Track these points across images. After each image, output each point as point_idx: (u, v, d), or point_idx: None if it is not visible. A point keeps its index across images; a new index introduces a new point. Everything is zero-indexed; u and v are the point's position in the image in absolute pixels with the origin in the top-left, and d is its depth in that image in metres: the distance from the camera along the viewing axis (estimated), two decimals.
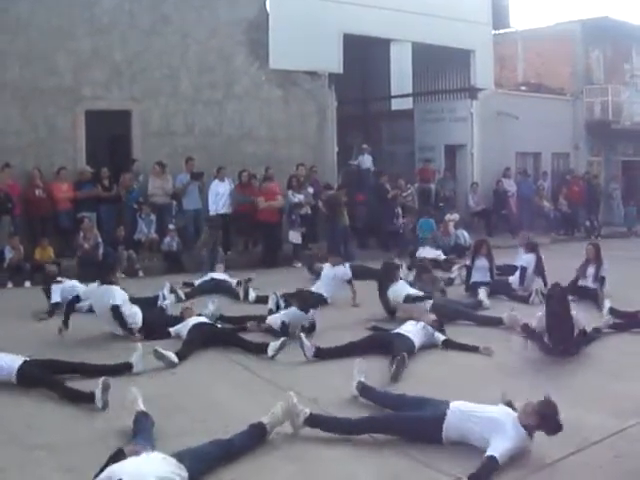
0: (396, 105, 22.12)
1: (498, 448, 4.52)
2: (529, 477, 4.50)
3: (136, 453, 4.19)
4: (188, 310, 8.21)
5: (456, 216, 16.42)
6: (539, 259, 10.98)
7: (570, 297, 10.01)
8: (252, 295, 10.25)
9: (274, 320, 8.14)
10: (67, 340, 7.77)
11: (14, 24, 13.12)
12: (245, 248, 14.80)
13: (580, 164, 22.68)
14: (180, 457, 4.29)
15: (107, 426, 5.26)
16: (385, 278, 9.13)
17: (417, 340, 7.27)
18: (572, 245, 16.74)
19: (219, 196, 14.18)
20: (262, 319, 8.34)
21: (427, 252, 14.12)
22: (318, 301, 7.94)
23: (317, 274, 11.76)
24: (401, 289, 9.06)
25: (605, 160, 23.91)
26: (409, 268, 12.56)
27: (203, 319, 7.98)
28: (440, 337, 7.58)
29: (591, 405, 5.70)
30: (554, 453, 4.75)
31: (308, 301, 7.88)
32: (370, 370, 6.05)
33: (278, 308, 8.96)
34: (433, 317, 7.78)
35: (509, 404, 5.17)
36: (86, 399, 5.70)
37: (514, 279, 10.83)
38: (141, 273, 12.61)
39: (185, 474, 4.18)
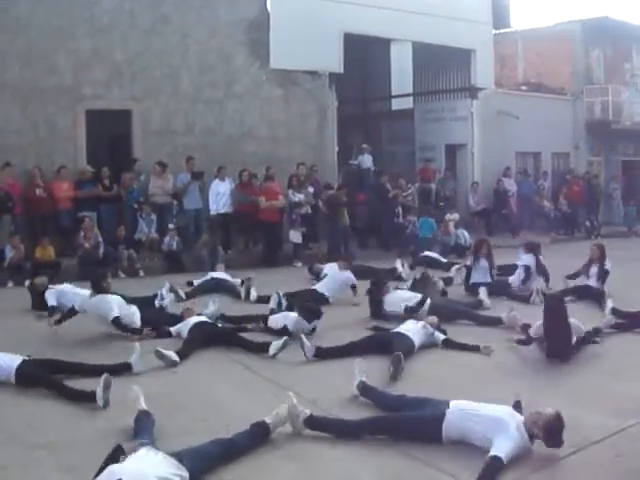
0: (396, 105, 22.13)
1: (502, 448, 4.51)
2: (530, 476, 4.50)
3: (134, 450, 4.19)
4: (189, 310, 8.21)
5: (456, 216, 16.43)
6: (538, 260, 10.98)
7: (570, 297, 10.15)
8: (254, 294, 10.24)
9: (275, 321, 8.14)
10: (67, 340, 7.78)
11: (14, 24, 13.13)
12: (246, 247, 14.81)
13: (580, 164, 22.69)
14: (181, 456, 4.29)
15: (108, 425, 5.26)
16: (375, 295, 9.06)
17: (417, 339, 7.27)
18: (572, 245, 16.77)
19: (220, 195, 14.20)
20: (264, 319, 8.33)
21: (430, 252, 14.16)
22: (321, 313, 7.86)
23: (317, 274, 11.80)
24: (397, 300, 8.96)
25: (605, 160, 23.92)
26: (411, 267, 12.58)
27: (204, 318, 7.99)
28: (440, 336, 7.58)
29: (591, 404, 5.70)
30: (555, 452, 4.75)
31: (312, 312, 7.80)
32: (370, 370, 6.05)
33: (280, 307, 8.97)
34: (434, 319, 7.79)
35: (517, 405, 5.18)
36: (87, 398, 5.69)
37: (514, 279, 10.84)
38: (142, 273, 12.61)
39: (186, 474, 4.18)
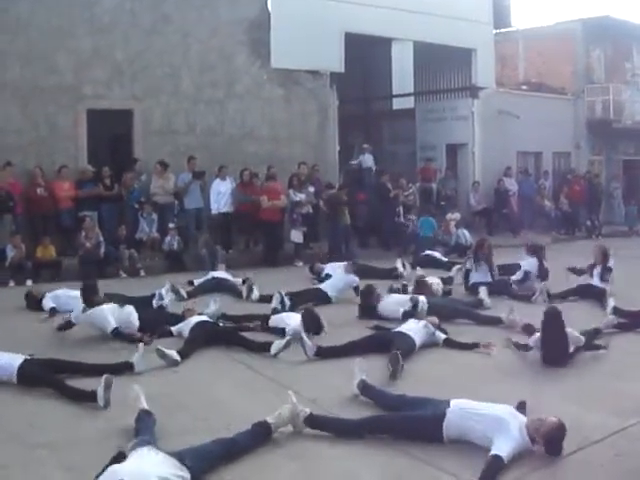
0: (397, 104, 22.14)
1: (503, 447, 4.51)
2: (530, 475, 4.50)
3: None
4: (189, 311, 8.21)
5: (457, 215, 16.43)
6: (541, 263, 10.97)
7: (572, 297, 10.16)
8: (256, 294, 10.21)
9: (277, 322, 8.14)
10: (68, 339, 7.79)
11: (14, 24, 13.13)
12: (246, 247, 14.81)
13: (581, 163, 22.68)
14: (182, 456, 4.30)
15: (109, 425, 5.27)
16: (366, 304, 9.03)
17: (418, 339, 7.27)
18: (573, 244, 16.78)
19: (221, 195, 14.22)
20: (265, 319, 8.32)
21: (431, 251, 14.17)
22: (321, 330, 7.82)
23: (318, 274, 11.82)
24: (393, 304, 8.89)
25: (606, 159, 23.90)
26: (412, 266, 12.57)
27: (205, 318, 7.99)
28: (441, 336, 7.58)
29: (592, 404, 5.70)
30: None
31: (316, 324, 7.76)
32: (371, 369, 6.06)
33: (284, 307, 8.97)
34: (435, 320, 7.78)
35: (522, 406, 5.19)
36: (88, 397, 5.70)
37: (516, 277, 10.84)
38: (142, 272, 12.60)
39: (187, 475, 4.19)
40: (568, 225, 19.90)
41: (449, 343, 7.51)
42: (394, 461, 4.71)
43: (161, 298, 9.33)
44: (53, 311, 9.05)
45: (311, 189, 15.09)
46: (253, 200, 14.19)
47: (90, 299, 7.75)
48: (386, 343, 7.04)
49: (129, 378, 6.15)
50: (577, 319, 8.52)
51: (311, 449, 4.90)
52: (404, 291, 10.00)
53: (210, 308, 8.54)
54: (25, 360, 6.29)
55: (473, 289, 10.37)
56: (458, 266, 11.75)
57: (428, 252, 14.00)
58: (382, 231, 16.30)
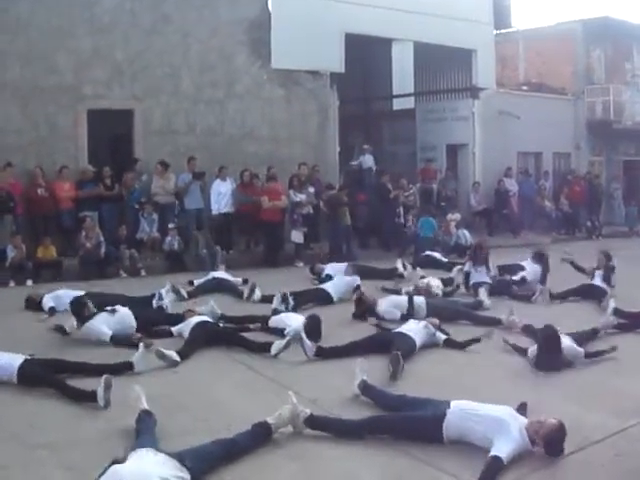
0: (398, 105, 22.15)
1: (503, 448, 4.52)
2: (530, 476, 4.50)
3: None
4: (190, 312, 8.20)
5: (457, 216, 16.42)
6: (545, 271, 10.94)
7: (574, 297, 10.17)
8: (257, 294, 10.18)
9: (277, 322, 8.13)
10: (68, 340, 7.76)
11: (14, 24, 13.12)
12: (247, 247, 14.81)
13: (581, 164, 22.68)
14: (182, 456, 4.30)
15: (109, 425, 5.27)
16: (360, 313, 8.97)
17: (418, 339, 7.27)
18: (573, 245, 16.72)
19: (221, 195, 14.23)
20: (265, 319, 8.32)
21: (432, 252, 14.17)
22: (320, 337, 7.79)
23: (318, 274, 11.83)
24: (391, 306, 8.87)
25: (606, 160, 23.90)
26: (413, 267, 12.57)
27: (205, 318, 7.99)
28: (441, 337, 7.59)
29: (592, 404, 5.70)
30: None
31: (317, 332, 7.72)
32: (371, 370, 6.06)
33: (287, 307, 8.97)
34: (435, 322, 7.78)
35: (522, 407, 5.19)
36: (88, 398, 5.70)
37: (516, 278, 10.84)
38: (143, 272, 12.60)
39: (187, 476, 4.19)
40: (568, 226, 19.91)
41: (450, 344, 7.51)
42: (394, 461, 4.71)
43: (161, 298, 9.31)
44: (52, 311, 9.05)
45: (311, 190, 15.08)
46: (254, 200, 14.19)
47: (82, 316, 7.68)
48: (386, 343, 7.04)
49: (129, 378, 6.14)
50: (577, 319, 8.58)
51: (311, 450, 4.90)
52: (398, 293, 10.02)
53: (206, 306, 8.55)
54: (25, 360, 6.28)
55: (473, 289, 10.37)
56: (458, 267, 11.74)
57: (428, 253, 14.00)
58: (382, 232, 16.30)
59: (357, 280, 10.36)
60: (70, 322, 7.82)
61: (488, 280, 10.45)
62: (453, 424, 4.88)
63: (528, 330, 7.92)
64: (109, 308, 7.93)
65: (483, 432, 4.73)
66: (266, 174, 14.76)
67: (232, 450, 4.69)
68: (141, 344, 6.78)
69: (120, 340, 7.56)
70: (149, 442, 4.52)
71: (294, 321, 7.93)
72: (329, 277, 11.53)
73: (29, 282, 11.50)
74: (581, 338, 7.32)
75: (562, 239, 18.54)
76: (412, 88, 21.54)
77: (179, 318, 8.15)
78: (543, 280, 10.84)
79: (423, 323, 7.59)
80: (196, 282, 11.03)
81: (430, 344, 7.45)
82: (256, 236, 14.82)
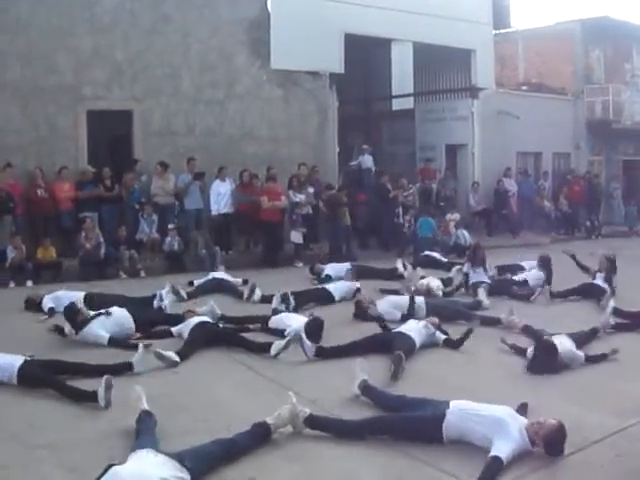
0: (397, 105, 22.14)
1: (502, 449, 4.52)
2: (530, 476, 4.51)
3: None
4: (190, 313, 8.21)
5: (457, 216, 16.43)
6: (550, 276, 10.93)
7: (575, 296, 10.17)
8: (258, 294, 10.18)
9: (277, 322, 8.14)
10: (67, 340, 7.75)
11: (14, 24, 13.12)
12: (247, 248, 14.81)
13: (581, 164, 22.69)
14: (182, 457, 4.30)
15: (110, 425, 5.27)
16: (359, 314, 8.98)
17: (418, 339, 7.28)
18: (573, 245, 16.72)
19: (221, 196, 14.23)
20: (265, 320, 8.32)
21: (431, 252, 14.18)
22: (320, 338, 7.77)
23: (318, 274, 11.84)
24: (390, 307, 8.88)
25: (606, 160, 23.90)
26: (413, 267, 12.58)
27: (205, 319, 7.99)
28: (441, 336, 7.59)
29: (592, 404, 5.71)
30: None
31: (317, 335, 7.68)
32: (371, 369, 6.06)
33: (288, 307, 8.97)
34: (435, 320, 7.78)
35: (523, 408, 5.20)
36: (89, 398, 5.71)
37: (518, 279, 10.84)
38: (143, 273, 12.60)
39: (187, 476, 4.20)
40: (568, 226, 19.91)
41: (448, 343, 7.51)
42: (394, 462, 4.71)
43: (161, 299, 9.33)
44: (52, 311, 9.05)
45: (311, 190, 15.08)
46: (253, 201, 14.19)
47: (77, 323, 7.62)
48: (387, 343, 7.05)
49: (129, 379, 6.15)
50: (577, 318, 8.59)
51: (311, 450, 4.90)
52: (397, 293, 10.04)
53: (206, 306, 8.55)
54: (25, 361, 6.28)
55: (472, 289, 10.38)
56: (457, 267, 11.77)
57: (427, 252, 14.01)
58: (382, 232, 16.31)
59: (356, 284, 10.39)
60: (69, 325, 7.79)
61: (487, 280, 10.50)
62: (453, 424, 4.88)
63: (528, 330, 7.92)
64: (103, 311, 7.88)
65: (483, 432, 4.74)
66: (265, 174, 14.76)
67: (232, 450, 4.69)
68: (141, 344, 6.78)
69: (118, 342, 7.55)
70: (149, 443, 4.52)
71: (294, 321, 7.93)
72: (329, 277, 11.57)
73: (29, 283, 11.51)
74: (581, 339, 7.33)
75: (561, 239, 18.55)
76: (411, 88, 21.54)
77: (179, 318, 8.15)
78: (546, 281, 10.85)
79: (423, 323, 7.60)
80: (196, 283, 11.04)
81: (430, 344, 7.46)
82: (255, 236, 14.82)
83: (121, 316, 7.96)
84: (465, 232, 15.75)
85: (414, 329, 7.41)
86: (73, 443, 5.01)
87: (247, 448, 4.78)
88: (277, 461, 4.72)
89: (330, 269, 11.93)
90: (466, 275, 10.78)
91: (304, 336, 7.10)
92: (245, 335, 7.76)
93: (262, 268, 13.23)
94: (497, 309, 9.11)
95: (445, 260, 13.55)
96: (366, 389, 5.73)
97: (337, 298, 10.05)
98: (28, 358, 6.38)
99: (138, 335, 7.77)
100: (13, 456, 4.81)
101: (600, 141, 23.37)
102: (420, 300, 8.91)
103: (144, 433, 4.76)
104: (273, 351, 7.10)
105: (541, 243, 17.48)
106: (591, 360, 6.92)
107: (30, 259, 11.87)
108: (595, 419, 5.37)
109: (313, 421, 5.10)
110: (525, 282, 10.66)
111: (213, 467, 4.50)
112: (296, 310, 8.90)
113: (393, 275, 12.09)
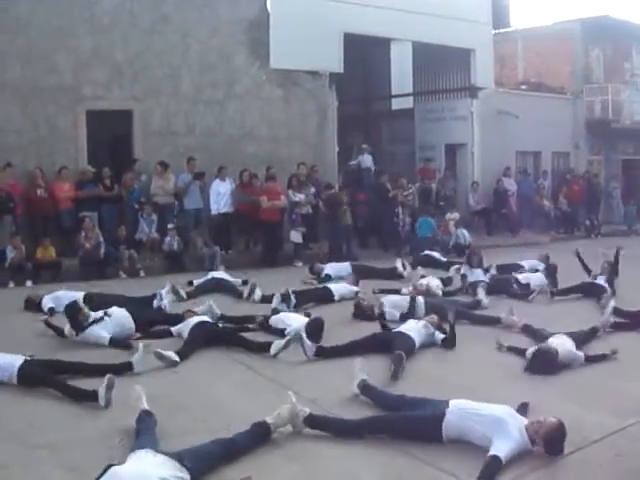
0: (396, 104, 22.14)
1: (502, 448, 4.52)
2: (529, 475, 4.51)
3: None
4: (189, 313, 8.21)
5: (456, 215, 16.44)
6: (555, 284, 10.93)
7: (575, 295, 10.18)
8: (258, 294, 10.17)
9: (277, 322, 8.14)
10: (67, 340, 7.74)
11: (14, 24, 13.12)
12: (246, 247, 14.82)
13: (580, 163, 22.70)
14: (181, 456, 4.30)
15: (110, 425, 5.27)
16: (359, 315, 9.03)
17: (418, 339, 7.28)
18: (572, 244, 16.74)
19: (220, 196, 14.23)
20: (265, 319, 8.31)
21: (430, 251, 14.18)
22: (320, 338, 7.76)
23: (318, 274, 11.85)
24: (391, 309, 8.81)
25: (605, 159, 23.91)
26: (412, 266, 12.58)
27: (205, 318, 7.99)
28: (440, 336, 7.59)
29: (591, 404, 5.71)
30: None
31: (318, 335, 7.62)
32: (371, 369, 6.07)
33: (289, 306, 8.98)
34: (435, 318, 7.78)
35: (523, 408, 5.20)
36: (89, 397, 5.71)
37: (521, 280, 10.86)
38: (142, 273, 12.61)
39: (187, 476, 4.20)
40: (567, 225, 19.93)
41: (445, 344, 7.49)
42: (394, 461, 4.72)
43: (161, 299, 9.33)
44: (51, 311, 9.05)
45: (312, 189, 15.08)
46: (253, 200, 14.19)
47: (78, 323, 7.58)
48: (387, 343, 7.06)
49: (129, 379, 6.15)
50: (577, 317, 8.59)
51: (311, 449, 4.91)
52: (397, 292, 10.06)
53: (205, 306, 8.56)
54: (25, 361, 6.29)
55: (471, 289, 10.39)
56: (457, 266, 11.79)
57: (427, 252, 14.01)
58: (381, 231, 16.31)
59: (357, 289, 10.38)
60: (68, 325, 7.77)
61: (485, 279, 10.54)
62: (452, 423, 4.89)
63: (527, 329, 7.93)
64: (101, 313, 7.81)
65: (483, 431, 4.74)
66: (265, 174, 14.77)
67: (231, 450, 4.70)
68: (140, 345, 6.78)
69: (118, 342, 7.54)
70: (149, 442, 4.53)
71: (294, 321, 7.94)
72: (328, 277, 11.59)
73: (28, 283, 11.52)
74: (581, 338, 7.33)
75: (561, 238, 18.57)
76: (411, 88, 21.53)
77: (179, 318, 8.16)
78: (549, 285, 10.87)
79: (422, 323, 7.60)
80: (195, 282, 11.05)
81: (429, 344, 7.46)
82: (255, 236, 14.82)
83: (121, 316, 7.96)
84: (465, 231, 15.77)
85: (414, 329, 7.42)
86: (73, 443, 5.01)
87: (247, 448, 4.79)
88: (277, 461, 4.73)
89: (330, 269, 11.96)
90: (464, 277, 10.82)
91: (304, 336, 7.11)
92: (245, 335, 7.77)
93: (262, 268, 13.24)
94: (496, 308, 9.12)
95: (444, 260, 13.55)
96: (365, 389, 5.74)
97: (337, 298, 10.07)
98: (28, 358, 6.38)
99: (138, 335, 7.78)
100: (13, 456, 4.81)
101: (599, 140, 23.38)
102: (419, 300, 8.91)
103: (144, 433, 4.77)
104: (273, 351, 7.10)
105: (541, 242, 17.50)
106: (591, 360, 6.91)
107: (30, 259, 11.88)
108: (595, 418, 5.37)
109: (313, 420, 5.10)
110: (527, 285, 10.63)
111: (213, 467, 4.50)
112: (296, 309, 8.90)
113: (393, 275, 12.12)
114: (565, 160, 22.72)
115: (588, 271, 10.79)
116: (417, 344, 7.22)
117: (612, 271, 10.48)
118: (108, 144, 15.28)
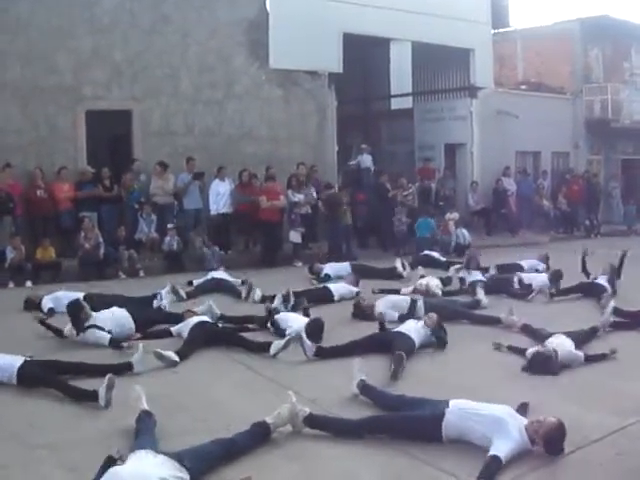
0: (396, 104, 22.14)
1: (501, 448, 4.52)
2: (529, 475, 4.51)
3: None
4: (189, 313, 8.21)
5: (456, 215, 16.43)
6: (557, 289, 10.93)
7: (576, 294, 10.17)
8: (258, 294, 10.15)
9: (279, 322, 8.13)
10: (67, 340, 7.74)
11: (14, 24, 13.13)
12: (246, 247, 14.82)
13: (580, 163, 22.70)
14: (181, 456, 4.30)
15: (110, 425, 5.27)
16: (358, 315, 9.03)
17: (417, 339, 7.28)
18: (572, 243, 16.77)
19: (220, 196, 14.24)
20: (271, 316, 8.29)
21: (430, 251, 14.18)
22: (321, 338, 7.75)
23: (317, 274, 11.85)
24: (389, 307, 8.84)
25: (605, 159, 23.92)
26: (412, 266, 12.58)
27: (205, 318, 7.99)
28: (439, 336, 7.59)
29: (591, 403, 5.71)
30: None
31: (318, 335, 7.59)
32: (371, 369, 6.07)
33: (286, 305, 8.99)
34: (434, 316, 7.77)
35: (523, 407, 5.20)
36: (89, 397, 5.71)
37: (527, 277, 10.85)
38: (142, 273, 12.62)
39: (186, 476, 4.19)
40: (567, 225, 19.94)
41: (439, 344, 7.48)
42: (393, 461, 4.71)
43: (162, 299, 9.34)
44: (51, 312, 9.05)
45: (312, 189, 15.08)
46: (252, 200, 14.19)
47: (80, 322, 7.57)
48: (386, 343, 7.06)
49: (129, 379, 6.15)
50: (577, 317, 8.59)
51: (310, 449, 4.91)
52: (397, 292, 10.06)
53: (204, 306, 8.56)
54: (25, 361, 6.29)
55: (471, 288, 10.39)
56: (456, 266, 11.80)
57: (427, 252, 14.02)
58: (381, 231, 16.30)
59: (356, 290, 10.38)
60: (69, 325, 7.76)
61: (483, 278, 10.63)
62: (452, 423, 4.89)
63: (527, 329, 7.93)
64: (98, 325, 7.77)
65: (482, 431, 4.74)
66: (265, 174, 14.77)
67: (231, 450, 4.69)
68: (140, 345, 6.78)
69: (117, 344, 7.51)
70: (149, 443, 4.52)
71: (295, 321, 7.93)
72: (328, 277, 11.59)
73: (28, 283, 11.52)
74: (580, 338, 7.33)
75: (560, 238, 18.59)
76: (410, 88, 21.53)
77: (179, 318, 8.16)
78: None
79: (421, 323, 7.60)
80: (195, 282, 11.05)
81: (428, 344, 7.45)
82: (254, 236, 14.82)
83: (121, 316, 7.96)
84: (465, 231, 15.78)
85: (413, 329, 7.42)
86: (73, 443, 5.01)
87: (246, 448, 4.78)
88: (276, 460, 4.72)
89: (329, 268, 11.97)
90: (462, 280, 10.85)
91: (304, 336, 7.11)
92: (244, 335, 7.77)
93: (261, 268, 13.25)
94: (496, 308, 9.11)
95: (444, 259, 13.55)
96: (365, 389, 5.74)
97: (336, 298, 10.07)
98: (28, 358, 6.38)
99: (138, 335, 7.78)
100: (13, 456, 4.81)
101: (599, 140, 23.39)
102: (419, 303, 8.90)
103: (144, 433, 4.76)
104: (272, 351, 7.10)
105: (540, 242, 17.51)
106: (591, 360, 6.91)
107: (29, 259, 11.88)
108: (595, 418, 5.37)
109: (312, 420, 5.10)
110: (529, 285, 10.61)
111: (212, 467, 4.50)
112: (294, 309, 8.90)
113: (392, 275, 12.12)
114: (565, 160, 22.73)
115: (587, 274, 10.77)
116: (417, 344, 7.23)
117: (615, 272, 10.44)
118: (107, 144, 15.29)
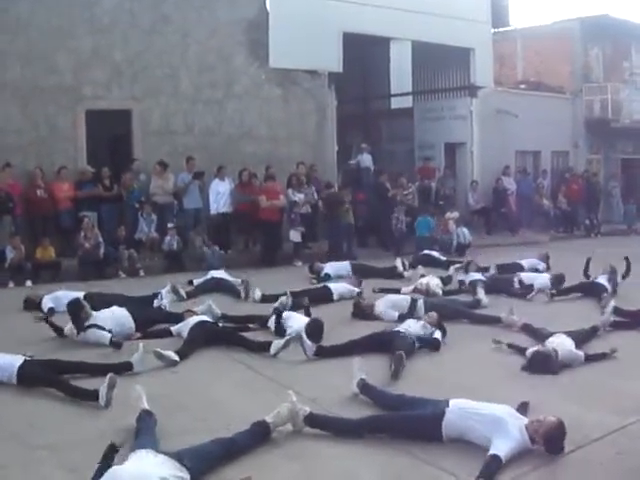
0: (396, 104, 22.14)
1: (501, 447, 4.52)
2: (530, 474, 4.51)
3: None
4: (189, 312, 8.21)
5: (456, 214, 16.42)
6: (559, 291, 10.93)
7: (576, 294, 10.17)
8: (258, 294, 10.15)
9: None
10: (67, 340, 7.74)
11: (14, 24, 13.13)
12: (245, 247, 14.82)
13: (579, 162, 22.71)
14: (181, 456, 4.30)
15: (110, 425, 5.26)
16: (358, 314, 9.06)
17: (417, 338, 7.28)
18: (571, 243, 16.79)
19: (220, 195, 14.23)
20: (265, 319, 8.30)
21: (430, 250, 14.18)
22: (321, 338, 7.74)
23: (317, 273, 11.85)
24: (389, 307, 8.90)
25: (604, 158, 23.92)
26: (412, 266, 12.58)
27: (205, 318, 7.99)
28: (439, 335, 7.59)
29: (591, 402, 5.71)
30: None
31: (318, 335, 7.60)
32: (371, 368, 6.07)
33: (285, 306, 8.97)
34: (434, 315, 7.78)
35: (523, 407, 5.20)
36: (90, 397, 5.71)
37: (527, 277, 10.84)
38: (142, 272, 12.61)
39: (186, 476, 4.19)
40: (567, 224, 19.95)
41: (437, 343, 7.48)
42: (394, 460, 4.71)
43: (162, 298, 9.33)
44: (51, 311, 9.04)
45: (312, 189, 15.07)
46: (252, 200, 14.18)
47: (80, 321, 7.56)
48: (386, 343, 7.05)
49: (129, 378, 6.15)
50: (577, 317, 8.59)
51: (310, 448, 4.90)
52: (397, 292, 10.06)
53: (204, 306, 8.56)
54: (25, 361, 6.28)
55: (471, 287, 10.39)
56: (457, 265, 11.81)
57: (427, 251, 14.01)
58: (381, 231, 16.30)
59: (357, 290, 10.33)
60: (69, 325, 7.76)
61: (482, 278, 10.65)
62: (452, 423, 4.89)
63: (527, 329, 7.93)
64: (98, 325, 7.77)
65: (483, 431, 4.74)
66: (264, 173, 14.77)
67: (231, 449, 4.69)
68: (140, 345, 6.78)
69: (117, 344, 7.49)
70: (149, 442, 4.53)
71: (295, 322, 7.93)
72: (328, 276, 11.59)
73: (28, 283, 11.52)
74: (581, 337, 7.33)
75: (560, 237, 18.60)
76: (410, 87, 21.52)
77: (179, 317, 8.16)
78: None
79: (421, 322, 7.60)
80: (195, 282, 11.05)
81: (428, 344, 7.44)
82: (254, 235, 14.82)
83: (121, 316, 7.97)
84: (465, 230, 15.77)
85: (413, 328, 7.42)
86: (73, 443, 5.00)
87: (246, 447, 4.78)
88: (277, 460, 4.72)
89: (329, 268, 11.97)
90: (461, 282, 10.88)
91: (304, 336, 7.10)
92: (245, 334, 7.77)
93: (261, 267, 13.25)
94: (496, 307, 9.11)
95: (444, 259, 13.54)
96: (365, 388, 5.73)
97: (336, 297, 10.06)
98: (28, 358, 6.38)
99: (138, 335, 7.78)
100: (13, 456, 4.81)
101: (599, 139, 23.38)
102: (420, 303, 8.90)
103: (144, 432, 4.76)
104: (272, 350, 7.10)
105: (540, 241, 17.51)
106: (591, 359, 6.91)
107: (29, 259, 11.88)
108: (595, 417, 5.37)
109: (313, 419, 5.10)
110: (530, 286, 10.60)
111: (213, 466, 4.50)
112: (293, 309, 8.90)
113: (393, 274, 12.13)
114: (564, 159, 22.73)
115: (587, 276, 10.77)
116: (417, 344, 7.22)
117: (615, 273, 10.43)
118: (107, 144, 15.28)
